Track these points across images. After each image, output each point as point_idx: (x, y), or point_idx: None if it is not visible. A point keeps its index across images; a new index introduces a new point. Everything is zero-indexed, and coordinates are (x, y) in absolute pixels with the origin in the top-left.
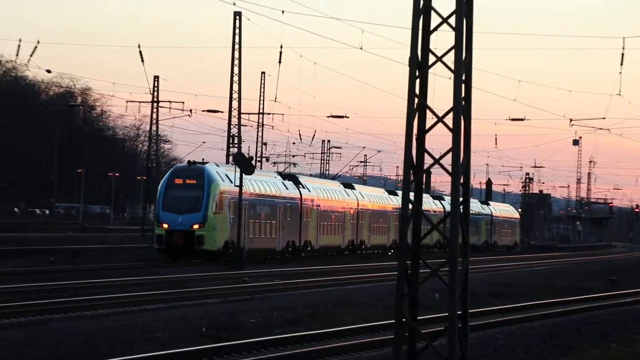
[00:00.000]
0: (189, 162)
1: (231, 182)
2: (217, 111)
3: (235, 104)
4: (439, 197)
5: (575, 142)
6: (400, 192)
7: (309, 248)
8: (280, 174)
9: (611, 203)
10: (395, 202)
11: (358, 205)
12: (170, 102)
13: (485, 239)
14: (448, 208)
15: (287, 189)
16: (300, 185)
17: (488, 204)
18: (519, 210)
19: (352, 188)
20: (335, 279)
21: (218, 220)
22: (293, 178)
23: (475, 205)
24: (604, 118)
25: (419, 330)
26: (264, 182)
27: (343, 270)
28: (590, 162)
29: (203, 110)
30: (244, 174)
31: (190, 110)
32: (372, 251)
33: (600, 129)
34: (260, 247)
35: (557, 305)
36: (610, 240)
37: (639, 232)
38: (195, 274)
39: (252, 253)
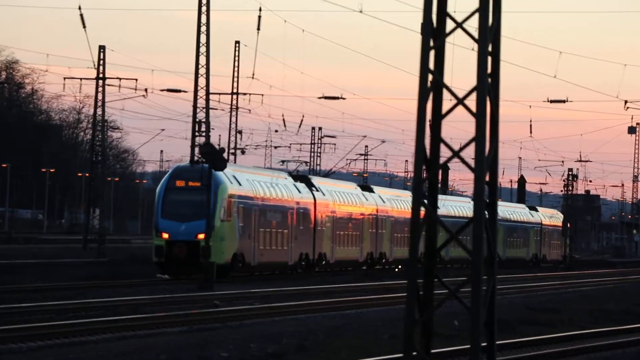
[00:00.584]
0: (191, 160)
1: (239, 184)
2: (179, 90)
3: (202, 81)
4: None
5: (632, 130)
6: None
7: (324, 262)
8: (291, 174)
9: None
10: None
11: (377, 212)
12: (120, 79)
13: (535, 251)
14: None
15: (299, 192)
16: (314, 188)
17: (536, 210)
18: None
19: (371, 191)
20: (332, 302)
21: (226, 228)
22: (305, 179)
23: (522, 212)
24: None
25: None
26: (274, 185)
27: (343, 290)
28: None
29: (162, 90)
30: (218, 170)
31: (146, 90)
32: (394, 266)
33: None
34: (271, 261)
35: (608, 336)
36: None
37: None
38: (154, 296)
39: (262, 267)
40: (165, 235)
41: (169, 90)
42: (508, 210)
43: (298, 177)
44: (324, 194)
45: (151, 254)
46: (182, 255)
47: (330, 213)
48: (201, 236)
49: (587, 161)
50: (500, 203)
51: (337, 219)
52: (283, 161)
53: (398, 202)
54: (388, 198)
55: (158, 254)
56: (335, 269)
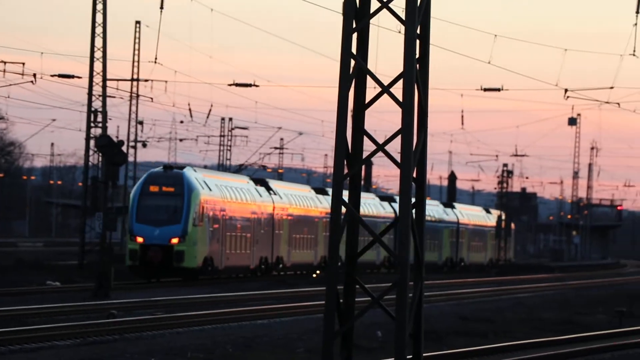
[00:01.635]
0: (164, 166)
1: (210, 189)
2: (72, 76)
3: (98, 66)
4: (389, 197)
5: (572, 122)
6: (397, 199)
7: (281, 265)
8: (252, 178)
9: (620, 206)
10: (385, 210)
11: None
12: (5, 62)
13: (449, 255)
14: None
15: (260, 196)
16: (272, 192)
17: (453, 207)
18: (500, 214)
19: (326, 194)
20: (243, 311)
21: (199, 233)
22: (264, 183)
23: (434, 209)
24: (611, 88)
25: None
26: (238, 189)
27: (256, 298)
28: (592, 149)
29: (53, 75)
30: (117, 166)
31: (34, 75)
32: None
33: (607, 102)
34: (236, 265)
35: (546, 347)
36: (619, 256)
37: None
38: (44, 306)
39: (229, 271)
40: (140, 240)
41: (60, 75)
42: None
43: (258, 180)
44: (281, 198)
45: (125, 258)
46: (157, 259)
47: (286, 216)
48: (175, 240)
49: (523, 155)
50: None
51: (293, 222)
52: (241, 165)
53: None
54: None
55: (132, 257)
56: (290, 272)
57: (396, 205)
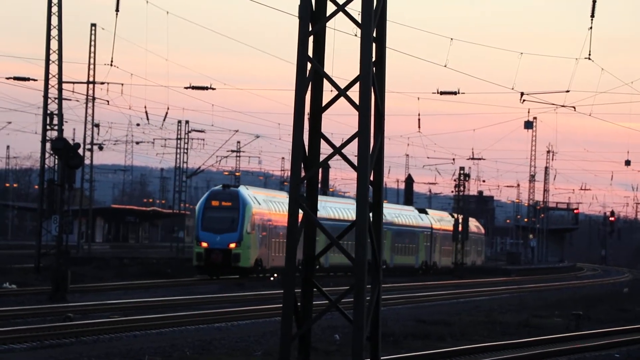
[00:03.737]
0: (223, 185)
1: (259, 203)
2: (28, 79)
3: (54, 68)
4: (424, 210)
5: (528, 125)
6: (429, 211)
7: (317, 267)
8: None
9: (577, 209)
10: (423, 221)
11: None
12: None
13: (425, 259)
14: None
15: (421, 219)
16: (426, 215)
17: (426, 213)
18: (458, 217)
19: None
20: (200, 314)
21: (251, 239)
22: (424, 211)
23: (411, 215)
24: (567, 91)
25: None
26: (278, 202)
27: (213, 301)
28: (549, 152)
29: (8, 78)
30: (73, 168)
31: None
32: (331, 273)
33: (563, 106)
34: (279, 265)
35: (503, 350)
36: (576, 259)
37: (614, 249)
38: None
39: (273, 270)
40: (204, 244)
41: (16, 78)
42: (395, 212)
43: (420, 209)
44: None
45: (192, 259)
46: (218, 260)
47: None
48: (232, 245)
49: (480, 159)
50: (386, 205)
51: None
52: (198, 168)
53: (337, 210)
54: (327, 207)
55: (198, 259)
56: (330, 273)
57: (430, 217)
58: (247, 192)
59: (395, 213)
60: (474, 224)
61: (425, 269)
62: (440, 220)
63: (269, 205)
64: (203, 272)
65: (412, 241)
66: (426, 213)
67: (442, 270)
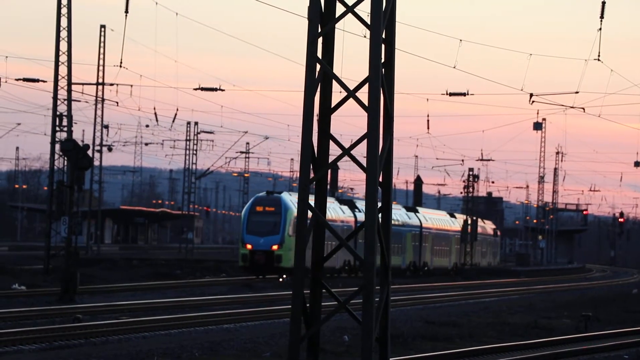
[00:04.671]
0: (267, 192)
1: None
2: (37, 80)
3: (63, 70)
4: (348, 201)
5: (537, 126)
6: (419, 210)
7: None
8: (337, 198)
9: (586, 210)
10: (411, 219)
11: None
12: None
13: (412, 259)
14: (362, 218)
15: (344, 213)
16: (357, 209)
17: (416, 211)
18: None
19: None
20: (209, 315)
21: (293, 241)
22: (350, 203)
23: (398, 213)
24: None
25: None
26: (330, 209)
27: (222, 302)
28: (558, 153)
29: (18, 79)
30: (82, 170)
31: None
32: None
33: (572, 107)
34: (330, 266)
35: (512, 352)
36: (585, 261)
37: (623, 249)
38: (9, 310)
39: (326, 271)
40: (249, 246)
41: (25, 79)
42: (435, 217)
43: (344, 201)
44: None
45: (238, 260)
46: (261, 261)
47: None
48: (275, 247)
49: (489, 160)
50: (426, 210)
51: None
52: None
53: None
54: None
55: (244, 260)
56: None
57: (420, 215)
58: (289, 197)
59: (435, 218)
60: (489, 227)
61: (414, 269)
62: (433, 218)
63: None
64: (248, 272)
65: (397, 241)
66: (416, 211)
67: (435, 271)
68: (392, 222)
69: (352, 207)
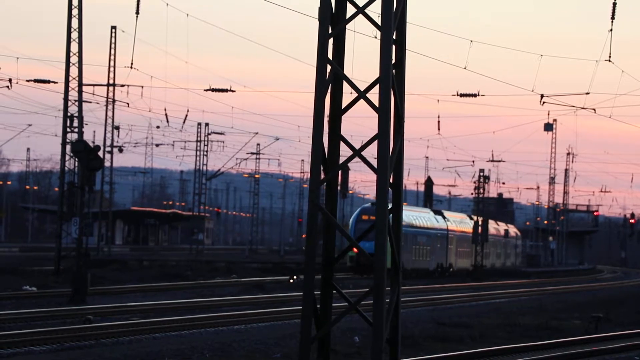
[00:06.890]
0: (372, 203)
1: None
2: (48, 81)
3: (74, 71)
4: (439, 212)
5: (548, 127)
6: (445, 213)
7: (451, 269)
8: (432, 209)
9: (597, 211)
10: (439, 223)
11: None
12: None
13: (440, 261)
14: (452, 226)
15: (437, 222)
16: (448, 220)
17: (442, 215)
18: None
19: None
20: (219, 316)
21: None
22: (441, 214)
23: (426, 217)
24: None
25: None
26: (421, 217)
27: (232, 303)
28: (569, 154)
29: (29, 80)
30: (93, 171)
31: (10, 80)
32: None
33: (583, 108)
34: (418, 267)
35: (523, 353)
36: (595, 262)
37: (634, 250)
38: (20, 311)
39: (412, 271)
40: (356, 250)
41: (36, 80)
42: (412, 215)
43: (436, 211)
44: (452, 222)
45: (346, 261)
46: (365, 261)
47: (452, 236)
48: None
49: (499, 161)
50: (449, 213)
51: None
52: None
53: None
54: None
55: (352, 261)
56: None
57: (446, 219)
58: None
59: (413, 215)
60: (512, 230)
61: (441, 271)
62: (459, 222)
63: (410, 219)
64: (355, 272)
65: (427, 244)
66: (443, 215)
67: (457, 272)
68: (422, 225)
69: (443, 217)
